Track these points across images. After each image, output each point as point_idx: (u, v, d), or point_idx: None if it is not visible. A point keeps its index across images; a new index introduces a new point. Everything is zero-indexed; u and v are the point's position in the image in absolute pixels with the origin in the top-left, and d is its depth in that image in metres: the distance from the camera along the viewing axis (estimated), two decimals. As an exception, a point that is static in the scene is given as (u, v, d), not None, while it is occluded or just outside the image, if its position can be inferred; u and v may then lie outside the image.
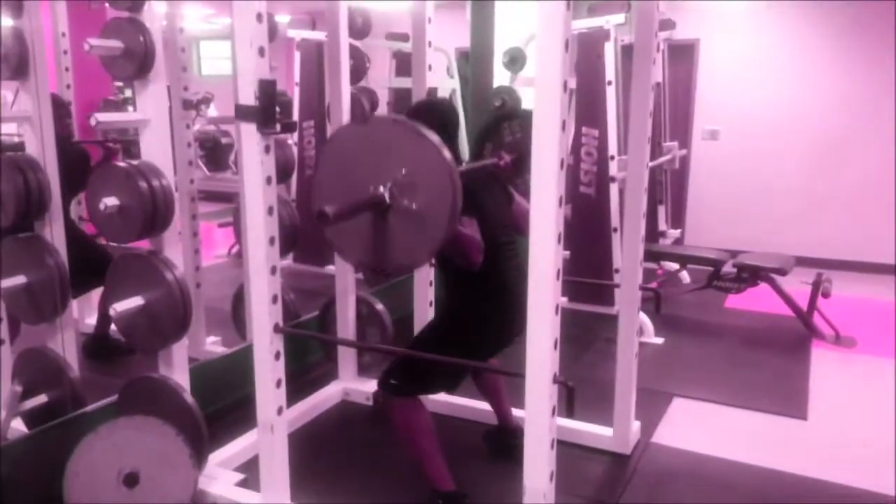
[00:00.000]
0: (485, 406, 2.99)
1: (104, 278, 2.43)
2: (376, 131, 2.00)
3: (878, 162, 5.80)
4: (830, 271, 4.77)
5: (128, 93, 6.26)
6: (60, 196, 2.68)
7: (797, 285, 4.50)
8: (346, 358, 3.45)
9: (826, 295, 4.36)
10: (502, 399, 2.88)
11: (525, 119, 1.76)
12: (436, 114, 2.44)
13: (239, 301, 3.64)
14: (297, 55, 5.44)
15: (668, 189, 5.92)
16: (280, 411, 2.33)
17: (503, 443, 2.82)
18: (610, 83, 4.49)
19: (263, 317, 2.25)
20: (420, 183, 1.86)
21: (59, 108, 3.23)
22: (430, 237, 1.87)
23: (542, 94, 1.75)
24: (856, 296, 5.17)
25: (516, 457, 1.97)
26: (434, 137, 1.86)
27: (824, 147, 6.01)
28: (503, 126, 2.81)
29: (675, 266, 5.35)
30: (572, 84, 4.68)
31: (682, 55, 6.24)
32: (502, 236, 2.46)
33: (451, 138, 2.46)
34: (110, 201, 2.20)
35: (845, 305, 4.75)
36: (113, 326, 3.57)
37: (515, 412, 2.84)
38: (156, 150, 2.33)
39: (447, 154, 1.84)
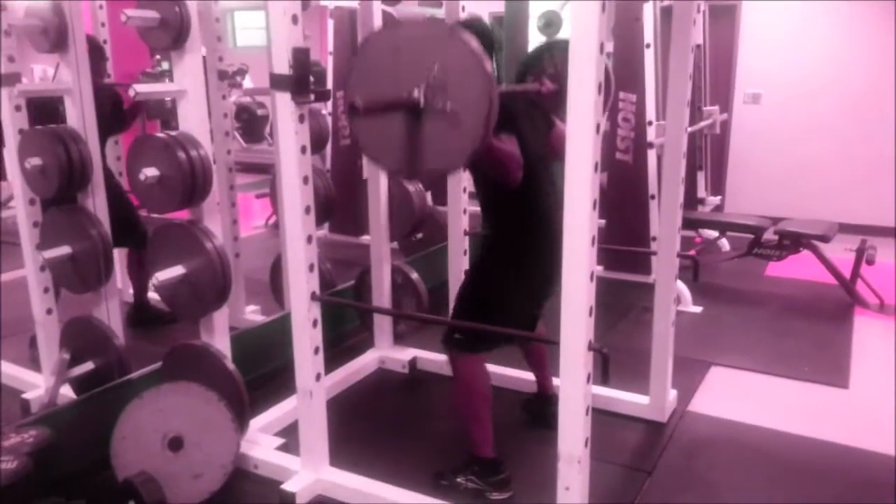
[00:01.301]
0: (524, 375, 3.00)
1: (130, 239, 2.44)
2: (409, 33, 1.92)
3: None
4: (875, 238, 4.64)
5: (165, 65, 6.33)
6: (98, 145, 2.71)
7: (840, 252, 4.40)
8: (382, 327, 3.48)
9: (870, 262, 4.25)
10: (546, 367, 2.87)
11: (567, 49, 1.71)
12: (473, 31, 2.38)
13: (277, 270, 3.70)
14: (330, 24, 5.42)
15: (708, 155, 5.79)
16: (318, 378, 2.37)
17: (542, 411, 2.83)
18: (648, 46, 4.39)
19: (301, 285, 2.28)
20: (455, 83, 1.79)
21: (95, 51, 3.24)
22: (466, 141, 1.82)
23: (577, 57, 1.72)
24: (902, 263, 5.03)
25: (554, 424, 1.98)
26: (468, 37, 1.80)
27: (868, 111, 5.80)
28: (545, 57, 2.70)
29: (714, 234, 5.26)
30: (609, 48, 4.57)
31: (723, 17, 6.05)
32: (539, 164, 2.37)
33: (490, 56, 2.30)
34: (150, 172, 2.23)
35: (890, 273, 4.62)
36: (152, 295, 3.69)
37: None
38: (193, 120, 2.36)
39: (482, 54, 1.77)
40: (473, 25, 2.43)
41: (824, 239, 4.35)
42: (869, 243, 4.29)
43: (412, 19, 2.02)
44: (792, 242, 4.43)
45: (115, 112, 3.53)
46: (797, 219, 4.77)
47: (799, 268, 4.71)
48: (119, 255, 3.56)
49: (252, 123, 8.60)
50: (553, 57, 2.67)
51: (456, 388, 2.50)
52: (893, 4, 5.56)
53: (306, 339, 2.32)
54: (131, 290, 3.97)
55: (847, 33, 5.79)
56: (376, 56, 1.94)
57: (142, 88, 2.24)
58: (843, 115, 5.91)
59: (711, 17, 5.65)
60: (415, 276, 3.41)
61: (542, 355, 2.87)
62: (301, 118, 2.17)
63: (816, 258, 4.40)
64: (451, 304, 2.69)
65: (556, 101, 2.56)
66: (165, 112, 5.86)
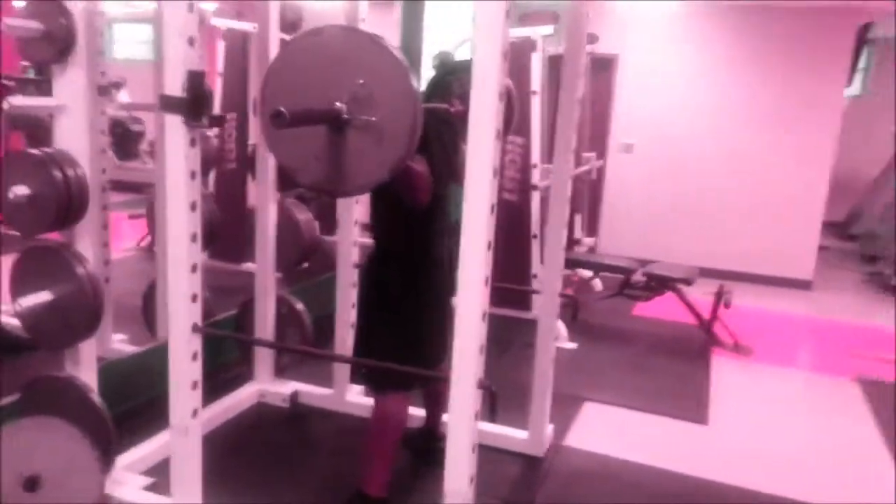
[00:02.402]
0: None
1: None
2: (331, 42, 1.87)
3: (786, 176, 6.16)
4: (734, 283, 5.04)
5: (31, 73, 5.91)
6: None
7: (701, 295, 4.73)
8: (263, 359, 3.38)
9: (727, 305, 4.60)
10: (441, 405, 2.86)
11: (469, 70, 1.74)
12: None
13: (150, 297, 3.51)
14: (220, 45, 5.28)
15: (586, 198, 6.09)
16: (195, 413, 2.26)
17: (426, 447, 2.82)
18: (535, 93, 4.59)
19: (181, 316, 2.18)
20: (379, 95, 1.77)
21: None
22: (389, 154, 1.80)
23: (478, 101, 1.78)
24: (756, 307, 5.47)
25: (437, 461, 1.98)
26: (394, 49, 1.78)
27: (734, 162, 6.32)
28: (451, 80, 2.65)
29: (589, 273, 5.52)
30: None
31: (602, 69, 6.44)
32: (440, 187, 2.35)
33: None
34: (20, 190, 2.07)
35: (745, 316, 5.02)
36: (8, 319, 3.39)
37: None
38: (72, 137, 2.21)
39: (407, 65, 1.76)
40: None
41: (687, 282, 4.67)
42: (726, 287, 4.65)
43: (334, 26, 1.92)
44: (658, 284, 4.73)
45: None
46: (663, 262, 5.10)
47: (664, 308, 5.02)
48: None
49: (126, 139, 8.15)
50: (460, 79, 2.68)
51: (373, 424, 2.45)
52: (759, 57, 6.10)
53: (184, 373, 2.21)
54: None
55: (716, 87, 6.28)
56: (295, 64, 1.89)
57: (18, 101, 2.09)
58: (709, 166, 6.39)
59: (592, 68, 5.99)
60: (300, 306, 3.35)
61: (441, 393, 2.87)
62: (192, 142, 2.09)
63: (679, 300, 4.71)
64: (355, 336, 2.61)
65: (464, 122, 2.60)
66: (31, 124, 5.46)
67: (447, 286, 2.32)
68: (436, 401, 2.87)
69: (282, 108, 1.67)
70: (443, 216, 2.42)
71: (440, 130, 2.43)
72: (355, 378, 2.92)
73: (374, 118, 1.78)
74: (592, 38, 5.44)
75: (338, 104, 1.79)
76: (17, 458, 2.14)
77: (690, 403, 3.71)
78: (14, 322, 2.78)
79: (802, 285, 6.22)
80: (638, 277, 4.85)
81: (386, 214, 2.46)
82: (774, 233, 6.25)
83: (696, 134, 6.38)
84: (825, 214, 6.21)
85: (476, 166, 1.80)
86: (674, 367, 4.24)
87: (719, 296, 4.62)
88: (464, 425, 1.93)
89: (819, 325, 5.38)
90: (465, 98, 2.61)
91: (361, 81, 1.78)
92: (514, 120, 3.00)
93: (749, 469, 3.06)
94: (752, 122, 6.22)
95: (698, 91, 6.34)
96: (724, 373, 4.19)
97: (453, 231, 2.13)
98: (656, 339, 4.76)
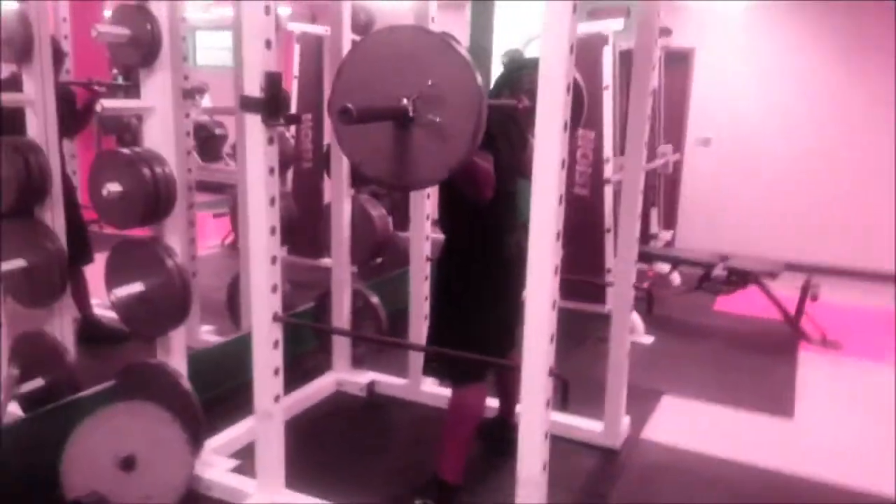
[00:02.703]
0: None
1: (78, 253, 2.38)
2: (403, 41, 1.89)
3: (871, 168, 5.88)
4: (820, 276, 4.83)
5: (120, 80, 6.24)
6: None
7: (786, 289, 4.56)
8: (341, 349, 3.47)
9: (814, 299, 4.42)
10: (514, 395, 2.88)
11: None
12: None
13: (234, 290, 3.66)
14: (296, 48, 5.45)
15: (661, 192, 5.97)
16: (277, 399, 2.36)
17: (500, 436, 2.84)
18: (607, 87, 4.54)
19: (263, 306, 2.28)
20: (445, 97, 1.80)
21: (57, 53, 3.12)
22: (451, 154, 1.83)
23: (545, 94, 1.79)
24: (844, 301, 5.23)
25: (510, 451, 2.00)
26: (463, 50, 1.81)
27: (815, 153, 6.09)
28: (522, 74, 2.68)
29: (666, 267, 5.40)
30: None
31: (679, 63, 6.29)
32: (507, 184, 2.38)
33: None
34: (113, 187, 2.21)
35: (833, 310, 4.81)
36: (104, 312, 3.61)
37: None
38: (159, 137, 2.35)
39: (475, 70, 1.79)
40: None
41: (771, 275, 4.51)
42: (813, 281, 4.47)
43: (406, 26, 1.96)
44: (740, 278, 4.58)
45: (69, 112, 3.46)
46: (745, 255, 4.94)
47: (746, 303, 4.86)
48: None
49: (210, 142, 8.52)
50: (529, 75, 2.68)
51: (452, 413, 2.49)
52: (838, 49, 5.86)
53: (267, 361, 2.31)
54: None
55: (794, 79, 6.08)
56: (366, 61, 1.93)
57: (109, 104, 2.23)
58: (789, 158, 6.17)
59: (667, 62, 5.86)
60: (375, 299, 3.42)
61: (514, 382, 2.89)
62: (270, 140, 2.18)
63: (763, 294, 4.55)
64: (428, 330, 2.66)
65: (532, 119, 2.60)
66: (121, 127, 5.77)
67: (515, 282, 2.31)
68: (508, 391, 2.88)
69: (349, 105, 1.71)
70: (510, 213, 2.43)
71: (507, 127, 2.46)
72: (427, 370, 2.96)
73: (438, 119, 1.81)
74: (666, 32, 5.32)
75: (405, 101, 1.83)
76: (113, 439, 2.29)
77: (775, 397, 3.59)
78: (110, 315, 2.97)
79: (893, 279, 5.90)
80: (719, 272, 4.72)
81: (451, 210, 2.50)
82: (861, 226, 5.96)
83: (776, 127, 6.16)
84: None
85: (544, 157, 1.81)
86: (757, 362, 4.10)
87: (806, 289, 4.45)
88: (536, 413, 1.94)
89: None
90: (533, 94, 2.62)
91: (431, 82, 1.81)
92: (583, 114, 2.97)
93: (836, 464, 2.93)
94: (835, 116, 5.96)
95: (778, 84, 6.12)
96: (810, 367, 4.03)
97: (523, 228, 2.15)
98: (738, 334, 4.62)
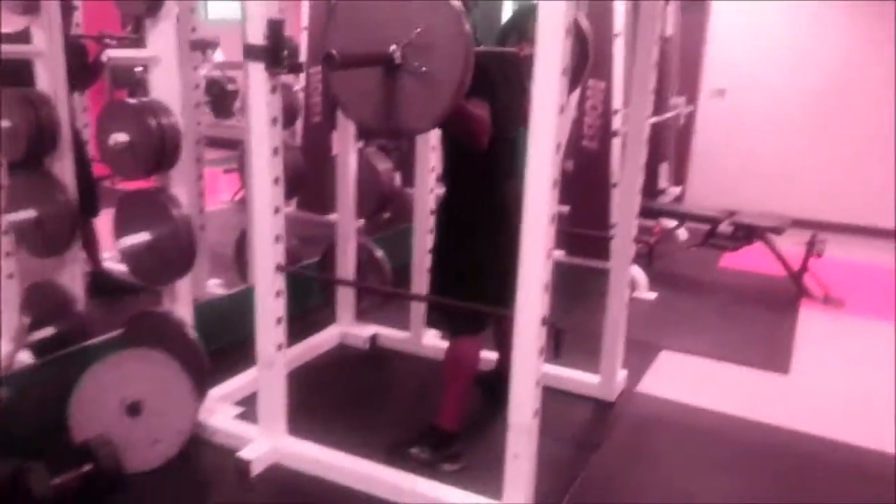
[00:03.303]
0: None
1: (87, 205, 2.45)
2: None
3: (882, 124, 5.79)
4: (828, 234, 4.81)
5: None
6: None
7: (792, 246, 4.56)
8: (345, 302, 3.54)
9: (819, 255, 4.42)
10: (511, 348, 2.94)
11: None
12: None
13: (242, 245, 3.72)
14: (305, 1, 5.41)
15: (672, 146, 5.92)
16: (280, 348, 2.43)
17: (498, 388, 2.89)
18: (618, 35, 4.46)
19: (266, 256, 2.33)
20: (433, 46, 1.82)
21: (66, 7, 3.16)
22: (438, 103, 1.86)
23: (544, 37, 1.79)
24: (849, 258, 5.23)
25: (506, 403, 2.06)
26: (454, 2, 1.82)
27: (828, 109, 6.00)
28: (528, 19, 2.58)
29: (673, 223, 5.40)
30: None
31: (694, 12, 6.16)
32: (508, 131, 2.37)
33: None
34: (120, 137, 2.25)
35: (838, 267, 4.81)
36: (113, 266, 3.69)
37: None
38: (164, 88, 2.38)
39: (464, 20, 1.81)
40: None
41: (777, 231, 4.51)
42: (819, 237, 4.46)
43: None
44: (746, 234, 4.58)
45: (81, 65, 3.48)
46: (752, 211, 4.93)
47: (752, 259, 4.87)
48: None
49: (221, 98, 8.49)
50: (535, 21, 2.67)
51: (447, 365, 2.56)
52: (855, 5, 5.74)
53: (269, 310, 2.37)
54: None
55: (810, 32, 5.96)
56: (355, 8, 1.95)
57: (115, 53, 2.26)
58: (802, 114, 6.09)
59: (682, 9, 5.75)
60: (379, 253, 3.47)
61: (511, 336, 2.94)
62: (273, 89, 2.21)
63: (768, 250, 4.56)
64: (429, 282, 2.71)
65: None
66: (134, 81, 5.79)
67: (513, 231, 2.34)
68: (506, 343, 2.93)
69: (332, 51, 1.74)
70: (508, 160, 2.41)
71: (508, 73, 2.43)
72: (429, 321, 3.02)
73: (424, 68, 1.83)
74: (682, -22, 5.22)
75: (392, 48, 1.84)
76: (121, 384, 2.38)
77: (771, 353, 3.63)
78: (120, 267, 3.04)
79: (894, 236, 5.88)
80: (725, 227, 4.71)
81: (451, 158, 2.51)
82: (870, 182, 5.91)
83: (794, 78, 6.05)
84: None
85: (542, 103, 1.82)
86: (758, 318, 4.14)
87: (811, 245, 4.44)
88: (528, 360, 1.99)
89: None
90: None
91: (419, 30, 1.83)
92: (589, 62, 2.95)
93: (829, 418, 2.98)
94: (856, 66, 5.85)
95: (798, 33, 6.00)
96: (811, 324, 4.05)
97: (522, 176, 2.16)
98: (742, 291, 4.64)
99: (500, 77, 2.35)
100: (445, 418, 2.54)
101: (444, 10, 1.82)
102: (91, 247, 3.77)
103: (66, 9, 3.15)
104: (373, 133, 3.20)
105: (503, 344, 2.92)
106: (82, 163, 3.22)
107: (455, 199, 2.52)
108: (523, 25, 2.70)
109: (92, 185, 3.54)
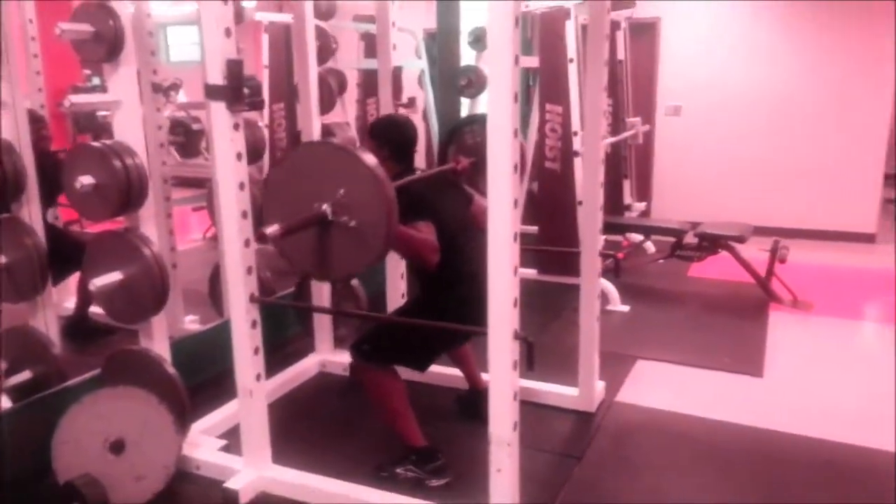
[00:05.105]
0: (457, 372, 3.11)
1: (80, 264, 2.52)
2: (317, 154, 2.18)
3: (843, 128, 6.00)
4: (797, 240, 4.95)
5: (96, 80, 6.27)
6: (40, 204, 2.81)
7: (756, 253, 4.68)
8: (323, 331, 3.55)
9: (783, 261, 4.54)
10: (471, 364, 3.01)
11: (485, 123, 1.90)
12: (393, 130, 2.69)
13: (216, 280, 3.73)
14: (264, 38, 5.48)
15: (633, 163, 6.07)
16: (259, 377, 2.44)
17: (474, 404, 2.94)
18: (571, 61, 4.61)
19: (239, 287, 2.35)
20: (356, 201, 2.02)
21: (36, 123, 3.23)
22: (369, 250, 2.06)
23: (495, 66, 1.86)
24: (812, 262, 5.37)
25: (486, 416, 2.09)
26: (367, 157, 2.01)
27: (781, 120, 6.19)
28: (465, 130, 3.02)
29: (639, 237, 5.51)
30: (533, 63, 4.79)
31: (644, 33, 6.37)
32: (462, 237, 2.55)
33: (407, 152, 2.67)
34: (86, 180, 2.27)
35: (802, 271, 4.94)
36: (92, 308, 3.67)
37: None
38: (128, 130, 2.41)
39: (380, 173, 1.99)
40: (395, 124, 2.76)
41: (740, 240, 4.62)
42: (781, 243, 4.58)
43: (315, 142, 2.33)
44: (710, 244, 4.70)
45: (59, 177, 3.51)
46: (715, 222, 5.06)
47: (720, 268, 4.98)
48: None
49: (188, 138, 8.52)
50: (473, 131, 2.99)
51: (368, 397, 2.62)
52: (805, 16, 5.96)
53: (246, 340, 2.39)
54: (68, 305, 3.94)
55: (760, 46, 6.17)
56: (291, 171, 2.16)
57: (77, 99, 2.29)
58: (757, 126, 6.27)
59: (632, 33, 5.94)
60: (354, 281, 3.50)
61: (465, 353, 3.02)
62: (236, 126, 2.25)
63: (734, 258, 4.67)
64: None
65: (473, 174, 2.87)
66: (97, 126, 5.81)
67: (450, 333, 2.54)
68: (463, 359, 3.03)
69: (266, 231, 1.98)
70: (456, 268, 2.53)
71: (446, 192, 2.69)
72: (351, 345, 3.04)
73: (353, 222, 2.03)
74: (630, 3, 5.40)
75: (324, 207, 2.04)
76: (102, 423, 2.37)
77: (745, 357, 3.71)
78: (99, 311, 3.03)
79: (866, 238, 6.05)
80: (690, 238, 4.83)
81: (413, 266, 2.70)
82: (834, 187, 6.11)
83: (747, 91, 6.25)
84: (887, 166, 6.02)
85: (497, 127, 1.88)
86: (728, 325, 4.23)
87: (774, 251, 4.56)
88: (503, 374, 2.02)
89: (883, 277, 5.23)
90: (476, 148, 2.91)
91: (342, 191, 2.03)
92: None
93: (804, 418, 3.05)
94: (806, 76, 6.06)
95: (747, 47, 6.21)
96: (781, 328, 4.15)
97: (470, 278, 2.36)
98: (711, 299, 4.74)
99: (438, 196, 2.58)
100: (407, 438, 2.58)
101: (361, 170, 2.00)
102: (82, 294, 3.76)
103: (40, 126, 3.21)
104: (316, 279, 3.40)
105: (460, 359, 3.03)
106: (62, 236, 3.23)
107: (418, 291, 2.70)
108: (461, 135, 3.05)
109: (74, 240, 3.53)
